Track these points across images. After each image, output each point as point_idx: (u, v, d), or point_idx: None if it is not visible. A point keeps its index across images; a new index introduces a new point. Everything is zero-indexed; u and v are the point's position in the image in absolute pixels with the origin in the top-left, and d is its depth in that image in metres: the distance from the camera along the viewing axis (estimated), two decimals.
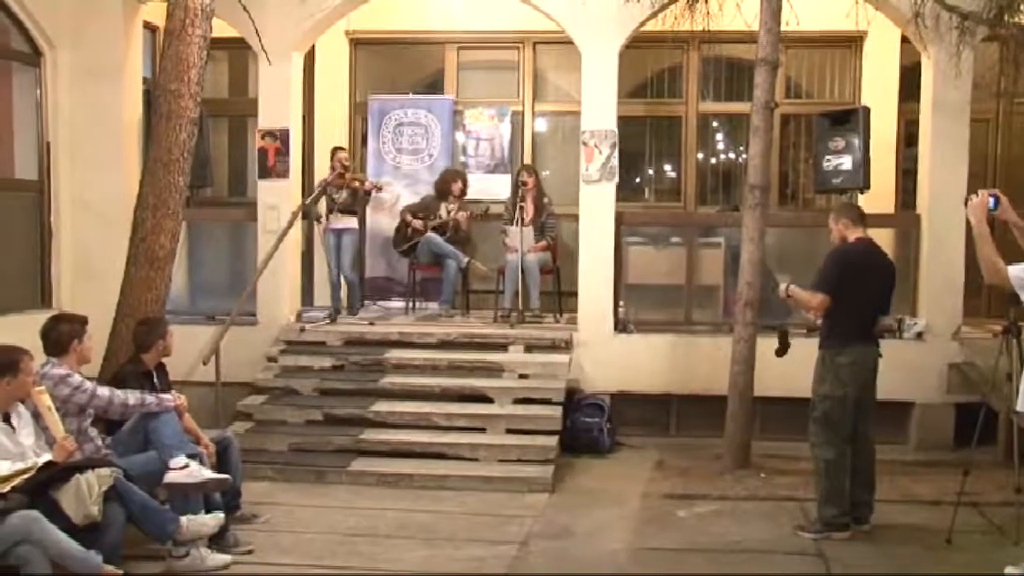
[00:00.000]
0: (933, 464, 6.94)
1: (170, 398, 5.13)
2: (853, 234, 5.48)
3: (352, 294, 8.67)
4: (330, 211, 8.48)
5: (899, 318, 7.65)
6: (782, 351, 5.76)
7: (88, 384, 4.95)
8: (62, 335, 5.00)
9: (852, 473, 5.47)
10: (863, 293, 5.38)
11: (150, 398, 5.06)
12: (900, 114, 9.08)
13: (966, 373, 7.37)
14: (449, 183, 8.80)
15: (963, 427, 7.12)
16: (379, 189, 8.62)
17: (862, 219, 5.56)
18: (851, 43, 9.28)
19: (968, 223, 4.69)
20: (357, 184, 8.45)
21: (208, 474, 4.99)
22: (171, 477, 4.86)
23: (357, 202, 8.56)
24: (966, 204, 4.64)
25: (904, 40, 8.41)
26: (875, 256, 5.55)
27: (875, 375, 5.53)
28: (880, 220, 8.34)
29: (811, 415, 5.48)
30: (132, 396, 5.03)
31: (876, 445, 5.71)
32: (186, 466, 4.89)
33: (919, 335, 7.58)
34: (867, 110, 8.13)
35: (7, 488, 4.18)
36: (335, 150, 8.71)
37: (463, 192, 8.84)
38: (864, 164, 7.94)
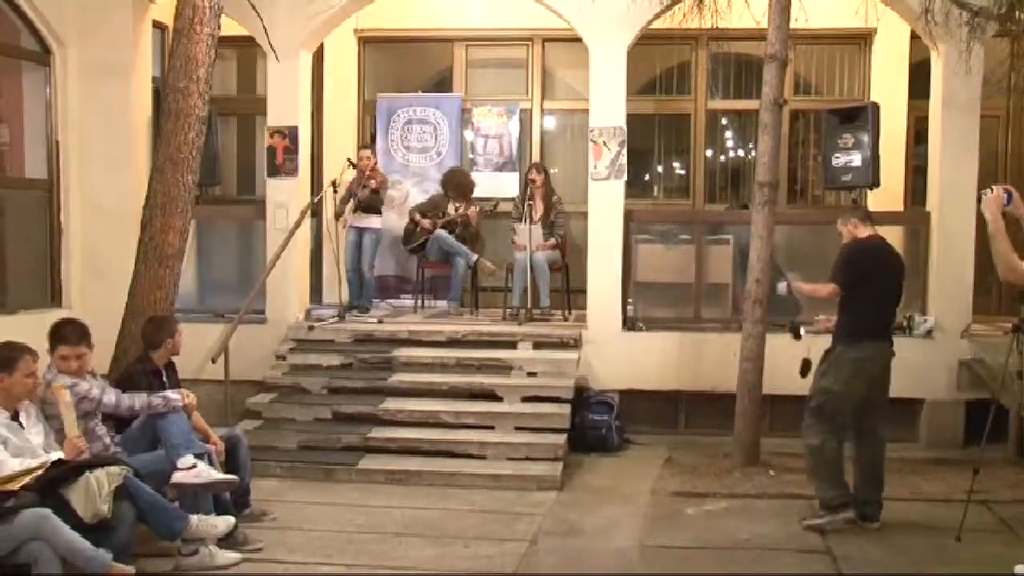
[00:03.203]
0: (943, 462, 6.91)
1: (178, 397, 5.10)
2: (864, 232, 5.59)
3: (365, 292, 8.68)
4: (354, 209, 8.49)
5: (909, 315, 7.63)
6: (804, 374, 5.80)
7: (94, 391, 4.93)
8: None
9: (860, 470, 5.54)
10: (876, 289, 5.47)
11: (156, 399, 5.04)
12: (910, 111, 9.04)
13: (976, 371, 7.34)
14: (445, 185, 8.84)
15: (973, 425, 7.10)
16: (385, 188, 8.61)
17: (869, 217, 5.69)
18: (860, 40, 9.25)
19: (979, 220, 4.68)
20: (371, 183, 8.45)
21: (216, 475, 5.00)
22: (178, 477, 4.86)
23: (377, 200, 8.56)
24: (979, 200, 4.61)
25: (914, 36, 8.38)
26: (887, 252, 5.63)
27: (887, 373, 5.55)
28: (889, 217, 8.33)
29: (807, 404, 5.55)
30: (138, 400, 5.02)
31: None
32: (193, 466, 4.89)
33: (929, 332, 7.55)
34: (876, 107, 8.10)
35: (17, 486, 4.20)
36: (360, 148, 8.73)
37: (463, 197, 8.81)
38: (873, 161, 7.91)
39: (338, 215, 8.45)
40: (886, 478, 5.61)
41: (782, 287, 5.82)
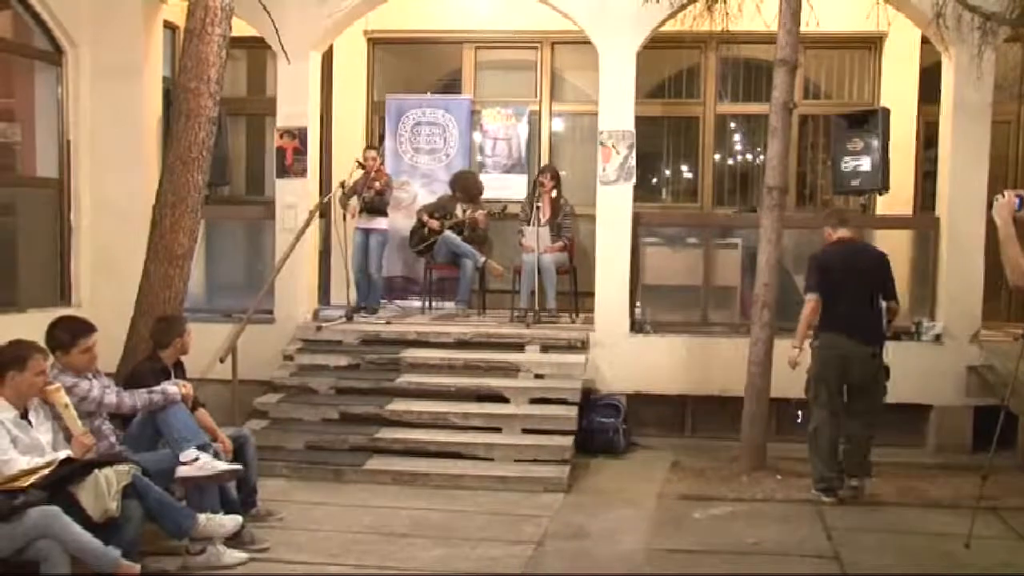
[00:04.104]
0: (951, 468, 6.88)
1: (175, 390, 5.10)
2: (835, 235, 6.19)
3: (373, 293, 8.69)
4: (360, 210, 8.49)
5: (917, 320, 7.61)
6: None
7: (95, 392, 4.94)
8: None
9: (845, 451, 6.11)
10: (836, 288, 6.01)
11: (156, 395, 5.05)
12: (920, 115, 9.01)
13: (985, 376, 7.31)
14: (453, 187, 8.85)
15: (982, 431, 7.07)
16: (389, 189, 8.61)
17: (844, 222, 6.26)
18: (871, 44, 9.23)
19: (989, 225, 4.69)
20: (376, 184, 8.45)
21: (220, 465, 5.00)
22: (183, 472, 4.88)
23: (382, 202, 8.56)
24: (991, 205, 4.61)
25: (924, 41, 8.36)
26: (852, 253, 6.16)
27: (862, 371, 5.99)
28: (899, 222, 8.34)
29: None
30: (139, 398, 5.03)
31: (894, 448, 6.25)
32: (196, 459, 4.90)
33: (937, 338, 7.52)
34: (886, 111, 8.09)
35: (26, 484, 4.21)
36: (365, 149, 8.74)
37: (471, 199, 8.81)
38: (883, 166, 7.91)
39: (343, 205, 8.42)
40: (894, 482, 5.77)
41: (793, 357, 6.15)
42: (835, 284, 6.01)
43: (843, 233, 6.19)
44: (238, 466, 5.18)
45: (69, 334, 4.98)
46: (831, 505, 5.97)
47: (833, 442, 6.08)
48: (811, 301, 6.07)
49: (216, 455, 5.11)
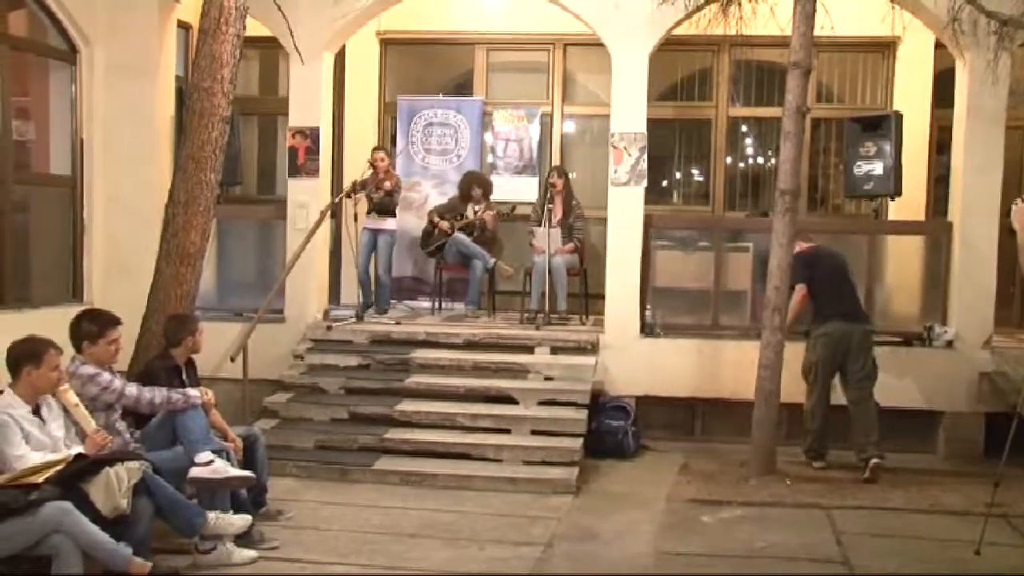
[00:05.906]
0: (962, 474, 6.85)
1: (196, 394, 5.16)
2: (803, 246, 7.00)
3: (382, 293, 8.70)
4: (368, 211, 8.51)
5: (929, 326, 7.58)
6: None
7: (116, 383, 5.00)
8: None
9: (853, 425, 6.74)
10: (824, 282, 6.87)
11: (176, 395, 5.09)
12: (933, 120, 8.98)
13: (997, 383, 7.27)
14: (463, 187, 8.85)
15: (993, 437, 7.03)
16: (398, 190, 8.62)
17: (808, 237, 7.16)
18: (884, 48, 9.20)
19: (1002, 231, 4.67)
20: (386, 184, 8.46)
21: (233, 471, 5.03)
22: (195, 472, 4.90)
23: (391, 202, 8.57)
24: (1007, 212, 4.60)
25: (938, 45, 8.33)
26: (826, 254, 7.09)
27: (859, 346, 6.71)
28: (911, 227, 8.31)
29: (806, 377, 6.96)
30: (159, 394, 5.07)
31: (905, 454, 6.39)
32: (211, 462, 4.93)
33: (949, 343, 7.49)
34: (899, 116, 8.06)
35: (40, 480, 4.23)
36: (374, 150, 8.75)
37: (486, 195, 8.83)
38: (895, 170, 7.88)
39: (334, 214, 8.39)
40: (904, 488, 5.75)
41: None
42: (822, 279, 6.88)
43: (810, 244, 7.12)
44: (250, 473, 5.20)
45: (98, 325, 5.04)
46: (820, 470, 6.75)
47: (825, 418, 6.84)
48: (801, 290, 6.85)
49: (227, 455, 5.13)
